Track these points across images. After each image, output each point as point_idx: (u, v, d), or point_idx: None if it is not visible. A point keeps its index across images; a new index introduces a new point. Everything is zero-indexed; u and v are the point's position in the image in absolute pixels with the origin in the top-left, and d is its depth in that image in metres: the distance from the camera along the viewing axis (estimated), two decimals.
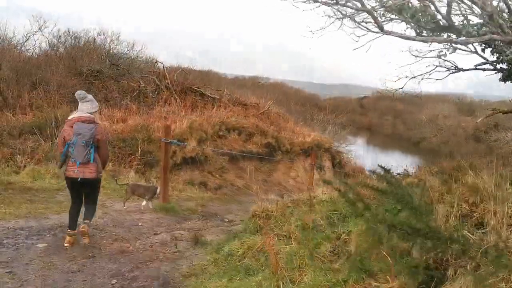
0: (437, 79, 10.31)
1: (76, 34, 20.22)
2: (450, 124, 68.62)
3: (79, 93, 5.19)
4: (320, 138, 17.86)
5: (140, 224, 6.88)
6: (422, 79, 10.05)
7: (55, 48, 19.21)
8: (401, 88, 10.64)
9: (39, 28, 17.23)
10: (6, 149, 10.08)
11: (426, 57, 8.79)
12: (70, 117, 5.15)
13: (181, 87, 16.68)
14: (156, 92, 15.78)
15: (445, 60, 9.61)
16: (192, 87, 17.17)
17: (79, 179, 4.94)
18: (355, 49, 6.56)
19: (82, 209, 5.38)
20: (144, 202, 8.04)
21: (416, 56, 8.70)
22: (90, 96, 5.30)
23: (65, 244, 5.07)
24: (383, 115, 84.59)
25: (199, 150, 12.43)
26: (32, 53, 17.56)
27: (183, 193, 10.80)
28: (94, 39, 21.78)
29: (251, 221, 5.54)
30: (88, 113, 5.11)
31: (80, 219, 5.34)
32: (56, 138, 10.49)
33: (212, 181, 12.11)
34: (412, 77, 10.05)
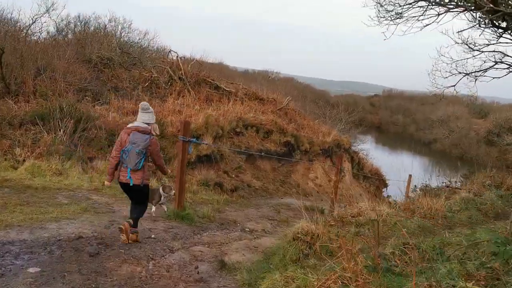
0: (493, 78, 9.17)
1: (86, 19, 19.26)
2: (462, 126, 67.51)
3: (144, 104, 5.52)
4: (340, 138, 16.82)
5: (152, 236, 5.90)
6: (477, 76, 8.94)
7: (63, 33, 18.24)
8: (453, 85, 9.54)
9: (47, 10, 16.21)
10: (4, 140, 9.11)
11: (485, 51, 7.71)
12: (130, 125, 5.42)
13: (195, 79, 15.69)
14: (169, 83, 14.79)
15: (505, 55, 8.51)
16: (206, 79, 16.18)
17: (130, 184, 5.24)
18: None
19: None
20: (153, 208, 7.06)
21: (473, 50, 7.63)
22: (151, 109, 5.60)
23: (121, 235, 5.34)
24: (393, 114, 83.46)
25: (215, 148, 11.44)
26: (39, 37, 16.57)
27: (198, 195, 9.82)
28: (105, 25, 20.85)
29: (291, 245, 4.51)
30: (145, 123, 5.36)
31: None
32: (60, 130, 9.53)
33: (228, 182, 11.12)
34: (466, 74, 8.94)
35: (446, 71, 8.99)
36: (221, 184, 10.89)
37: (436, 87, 9.79)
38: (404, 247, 3.45)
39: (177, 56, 16.53)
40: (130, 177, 5.19)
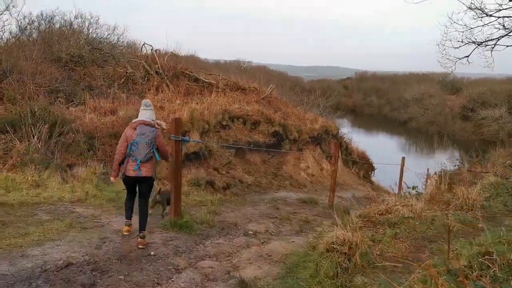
0: (507, 46, 8.63)
1: (50, 16, 18.06)
2: (436, 103, 68.16)
3: (146, 101, 5.84)
4: (328, 124, 16.28)
5: (152, 252, 5.20)
6: (492, 46, 8.39)
7: (27, 32, 17.02)
8: (467, 56, 8.99)
9: (7, 8, 15.03)
10: None
11: (498, 16, 7.17)
12: (134, 120, 5.66)
13: (173, 72, 14.83)
14: (146, 78, 13.90)
15: None
16: (184, 71, 15.34)
17: (138, 176, 5.29)
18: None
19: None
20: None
21: (486, 15, 7.08)
22: (152, 106, 5.86)
23: (124, 233, 5.73)
24: (367, 96, 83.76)
25: (203, 144, 10.71)
26: (1, 38, 15.39)
27: (190, 197, 9.11)
28: (71, 22, 19.71)
29: (324, 257, 3.86)
30: (150, 119, 5.62)
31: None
32: (34, 137, 8.63)
33: (219, 179, 10.43)
34: (480, 44, 8.40)
35: (458, 41, 8.43)
36: (213, 182, 10.19)
37: (447, 58, 9.21)
38: (483, 259, 2.81)
39: (151, 49, 15.61)
40: (139, 168, 5.26)
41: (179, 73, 15.08)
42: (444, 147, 58.36)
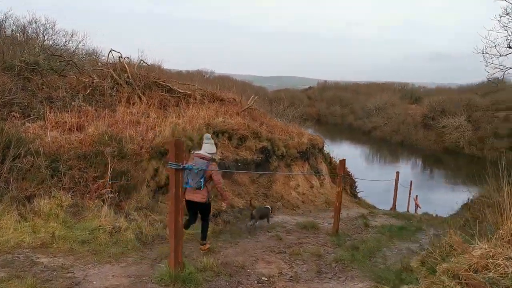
0: None
1: (1, 20, 16.16)
2: (398, 112, 68.93)
3: (207, 135, 6.81)
4: (314, 137, 15.08)
5: None
6: None
7: None
8: None
9: None
10: None
11: None
12: (194, 152, 6.57)
13: (145, 82, 13.24)
14: (115, 89, 12.26)
15: None
16: (157, 81, 13.77)
17: (192, 201, 6.36)
18: None
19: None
20: None
21: None
22: (212, 140, 6.70)
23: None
24: (330, 106, 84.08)
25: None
26: None
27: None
28: (24, 27, 17.82)
29: None
30: (208, 153, 6.48)
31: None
32: None
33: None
34: None
35: (505, 47, 7.34)
36: None
37: (496, 68, 8.04)
38: None
39: (120, 57, 13.95)
40: (193, 194, 6.31)
41: (151, 83, 13.51)
42: (407, 156, 58.92)
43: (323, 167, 15.29)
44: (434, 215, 19.01)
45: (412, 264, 4.14)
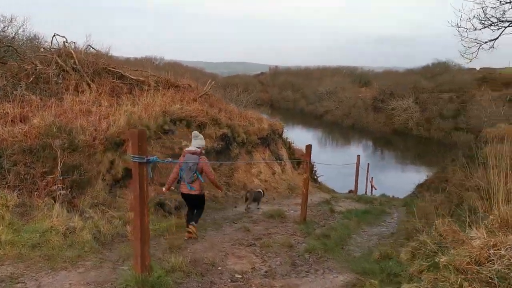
0: None
1: None
2: (349, 96, 70.08)
3: (195, 133, 7.27)
4: (273, 123, 14.77)
5: None
6: None
7: None
8: (495, 39, 7.70)
9: None
10: None
11: None
12: (185, 149, 7.11)
13: (94, 68, 12.39)
14: (61, 77, 11.36)
15: None
16: (107, 67, 12.94)
17: (189, 193, 6.89)
18: None
19: None
20: None
21: None
22: (200, 136, 7.27)
23: (185, 238, 6.82)
24: (283, 91, 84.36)
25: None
26: None
27: None
28: None
29: None
30: (197, 147, 6.99)
31: None
32: None
33: (168, 198, 8.45)
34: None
35: (482, 21, 7.11)
36: (163, 203, 8.22)
37: (475, 42, 7.78)
38: None
39: (65, 42, 12.96)
40: (190, 188, 6.78)
41: (101, 69, 12.66)
42: (358, 138, 60.18)
43: (284, 153, 15.03)
44: (391, 196, 19.33)
45: (402, 256, 3.86)
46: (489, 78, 63.48)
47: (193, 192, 6.83)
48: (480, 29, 7.51)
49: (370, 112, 63.78)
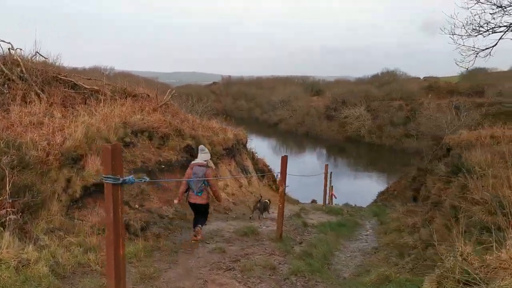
0: None
1: None
2: (302, 104, 70.73)
3: (201, 147, 7.95)
4: (238, 133, 14.18)
5: None
6: None
7: None
8: (492, 46, 7.39)
9: None
10: None
11: None
12: (193, 162, 7.73)
13: (43, 77, 11.35)
14: (7, 86, 10.28)
15: None
16: (58, 76, 11.93)
17: (196, 203, 7.55)
18: None
19: None
20: None
21: None
22: (206, 149, 7.91)
23: (192, 241, 7.53)
24: (236, 100, 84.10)
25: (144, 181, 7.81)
26: None
27: (102, 253, 6.23)
28: None
29: None
30: (203, 160, 7.63)
31: None
32: None
33: (133, 218, 7.65)
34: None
35: (477, 28, 6.80)
36: (128, 224, 7.39)
37: (472, 50, 7.43)
38: None
39: (10, 48, 11.82)
40: (195, 197, 7.53)
41: (50, 78, 11.62)
42: (312, 146, 60.69)
43: (249, 164, 14.46)
44: (354, 205, 19.16)
45: (425, 286, 3.37)
46: (435, 87, 65.92)
47: (200, 202, 7.52)
48: (476, 35, 7.28)
49: (323, 120, 64.58)
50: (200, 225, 7.70)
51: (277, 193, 15.66)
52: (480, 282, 3.00)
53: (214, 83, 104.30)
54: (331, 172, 20.76)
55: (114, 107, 10.47)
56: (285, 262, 6.78)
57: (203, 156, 7.71)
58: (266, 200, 10.85)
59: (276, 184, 17.46)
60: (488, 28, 7.19)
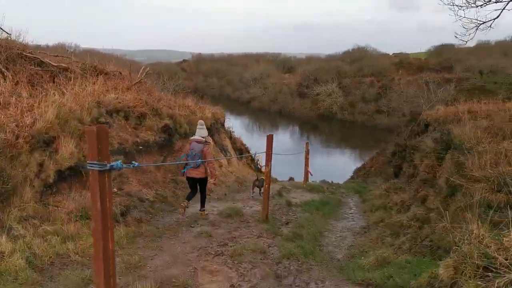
0: None
1: None
2: (274, 82, 70.31)
3: (201, 122, 8.19)
4: (215, 111, 13.76)
5: None
6: None
7: None
8: (493, 19, 7.12)
9: None
10: None
11: None
12: (191, 138, 8.02)
13: (7, 54, 10.60)
14: None
15: None
16: (23, 53, 11.18)
17: (195, 177, 7.77)
18: None
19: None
20: None
21: None
22: (204, 126, 8.12)
23: (180, 210, 7.82)
24: (207, 78, 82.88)
25: (81, 156, 7.35)
26: None
27: (84, 239, 5.84)
28: None
29: None
30: (201, 136, 7.85)
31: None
32: None
33: (113, 202, 7.22)
34: None
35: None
36: None
37: (472, 23, 7.09)
38: None
39: None
40: (193, 172, 7.73)
41: (15, 55, 10.87)
42: (286, 124, 60.66)
43: (228, 143, 14.10)
44: (330, 181, 19.12)
45: (441, 272, 3.15)
46: (405, 63, 66.56)
47: (198, 176, 7.72)
48: (481, 5, 7.02)
49: (296, 98, 64.37)
50: (203, 208, 8.09)
51: (254, 171, 15.44)
52: (501, 267, 2.80)
53: (184, 60, 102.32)
54: (307, 151, 20.63)
55: (85, 85, 9.87)
56: (274, 244, 6.54)
57: (201, 132, 7.90)
58: (262, 177, 10.62)
59: (254, 163, 17.22)
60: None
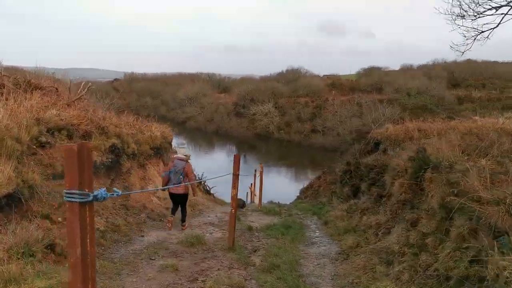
0: None
1: None
2: (210, 101, 69.81)
3: (181, 142, 10.67)
4: (164, 130, 12.89)
5: None
6: None
7: None
8: (493, 28, 6.82)
9: None
10: None
11: None
12: (174, 156, 8.76)
13: None
14: None
15: None
16: None
17: (176, 193, 8.42)
18: None
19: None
20: None
21: None
22: (186, 145, 9.61)
23: (167, 224, 8.40)
24: (141, 97, 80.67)
25: (20, 181, 6.31)
26: None
27: (27, 284, 4.83)
28: None
29: None
30: (184, 155, 8.58)
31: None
32: None
33: (58, 235, 6.22)
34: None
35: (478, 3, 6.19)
36: (52, 243, 5.96)
37: (474, 29, 6.75)
38: None
39: None
40: (175, 188, 8.25)
41: None
42: (222, 143, 60.08)
43: None
44: (277, 202, 18.67)
45: None
46: (337, 84, 68.77)
47: (180, 192, 8.31)
48: (482, 13, 6.82)
49: (232, 117, 64.17)
50: (185, 222, 8.67)
51: (205, 194, 14.63)
52: None
53: (116, 79, 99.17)
54: (255, 170, 20.11)
55: (20, 101, 8.72)
56: (250, 277, 5.86)
57: (183, 151, 8.70)
58: (240, 197, 10.84)
59: (203, 185, 16.40)
60: (492, 7, 6.83)
